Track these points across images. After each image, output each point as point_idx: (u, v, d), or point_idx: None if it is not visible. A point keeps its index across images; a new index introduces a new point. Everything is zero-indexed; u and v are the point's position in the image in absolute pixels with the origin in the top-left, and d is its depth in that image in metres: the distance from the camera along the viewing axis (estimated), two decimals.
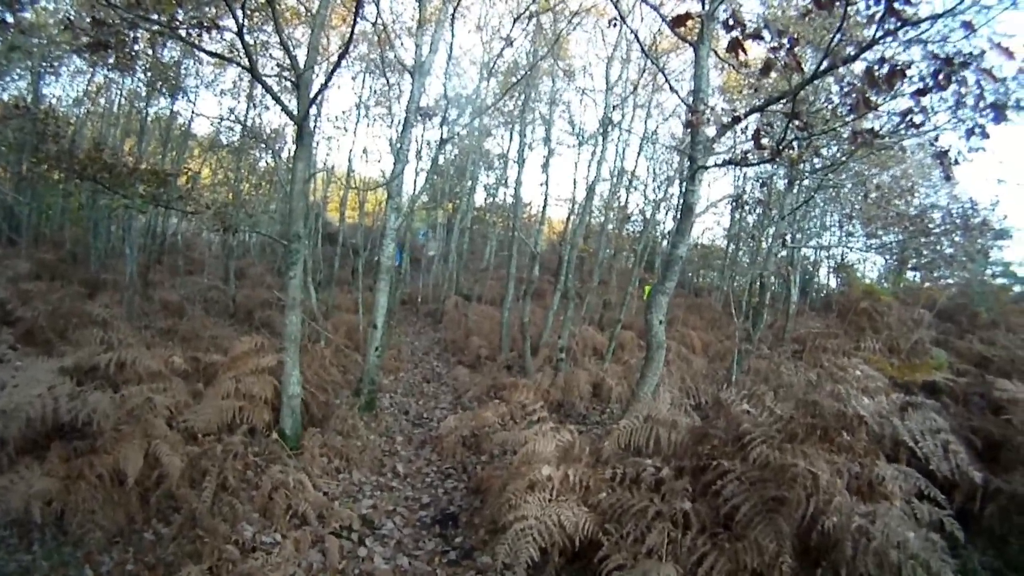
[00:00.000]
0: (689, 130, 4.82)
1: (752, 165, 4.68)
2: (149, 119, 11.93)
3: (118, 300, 8.38)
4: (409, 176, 15.09)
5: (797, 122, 3.55)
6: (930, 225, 8.59)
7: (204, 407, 5.07)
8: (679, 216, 5.04)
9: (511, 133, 14.10)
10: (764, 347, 9.08)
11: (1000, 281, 13.12)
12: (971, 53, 3.27)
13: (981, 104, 3.51)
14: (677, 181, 12.83)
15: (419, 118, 9.01)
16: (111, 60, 6.85)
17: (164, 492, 4.23)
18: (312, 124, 6.29)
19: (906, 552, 3.45)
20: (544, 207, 10.90)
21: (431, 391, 8.54)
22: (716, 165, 4.83)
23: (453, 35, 7.24)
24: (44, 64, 11.62)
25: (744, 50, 3.30)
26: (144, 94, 11.16)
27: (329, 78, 4.96)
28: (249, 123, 11.88)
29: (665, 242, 15.16)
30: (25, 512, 3.67)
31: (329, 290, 12.28)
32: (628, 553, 3.62)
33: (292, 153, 5.34)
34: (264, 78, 4.98)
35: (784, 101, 3.82)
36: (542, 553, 3.60)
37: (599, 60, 13.89)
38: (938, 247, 9.50)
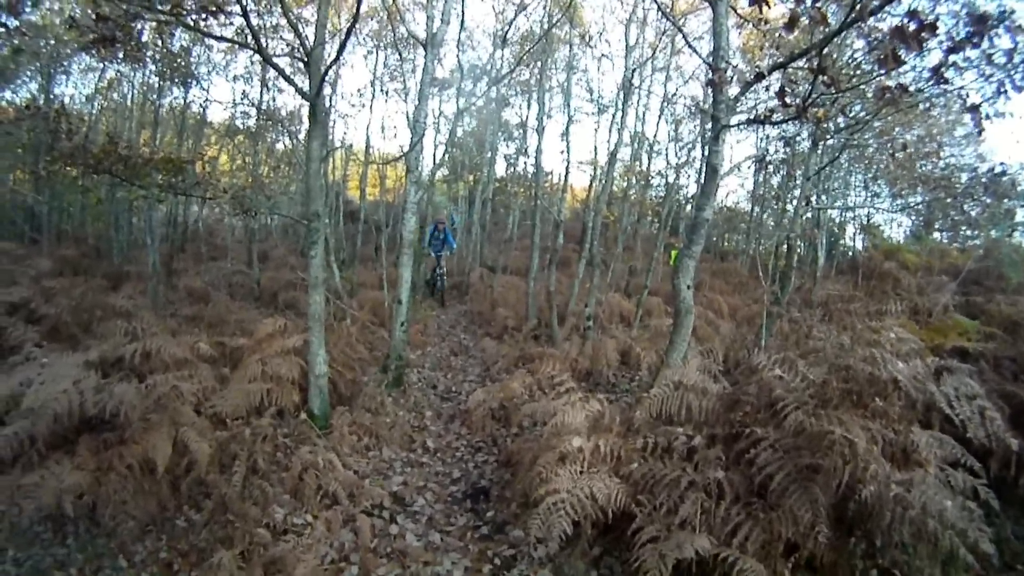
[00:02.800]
0: (711, 89, 4.66)
1: (777, 124, 4.52)
2: (163, 110, 11.96)
3: (142, 291, 8.44)
4: (428, 150, 14.98)
5: (823, 78, 3.40)
6: (956, 185, 8.30)
7: (231, 391, 5.09)
8: (703, 178, 4.90)
9: (529, 102, 14.02)
10: (794, 310, 8.92)
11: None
12: (1003, 10, 3.14)
13: (1014, 61, 3.38)
14: (699, 145, 12.65)
15: (434, 90, 8.99)
16: (120, 54, 6.78)
17: (194, 479, 4.25)
18: (327, 102, 6.19)
19: (943, 522, 3.39)
20: (566, 175, 10.84)
21: (459, 364, 8.52)
22: (740, 124, 4.69)
23: (464, 5, 7.09)
24: (54, 63, 11.65)
25: (768, 3, 3.17)
26: (156, 85, 11.15)
27: (339, 54, 4.90)
28: (264, 106, 11.82)
29: (689, 206, 14.97)
30: (57, 507, 3.70)
31: (352, 268, 12.32)
32: (661, 524, 3.58)
33: (307, 133, 5.25)
34: (275, 59, 4.89)
35: (809, 57, 3.66)
36: (575, 526, 3.57)
37: (616, 23, 13.51)
38: (964, 208, 9.20)
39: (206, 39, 9.05)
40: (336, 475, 4.55)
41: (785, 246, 8.40)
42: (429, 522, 4.50)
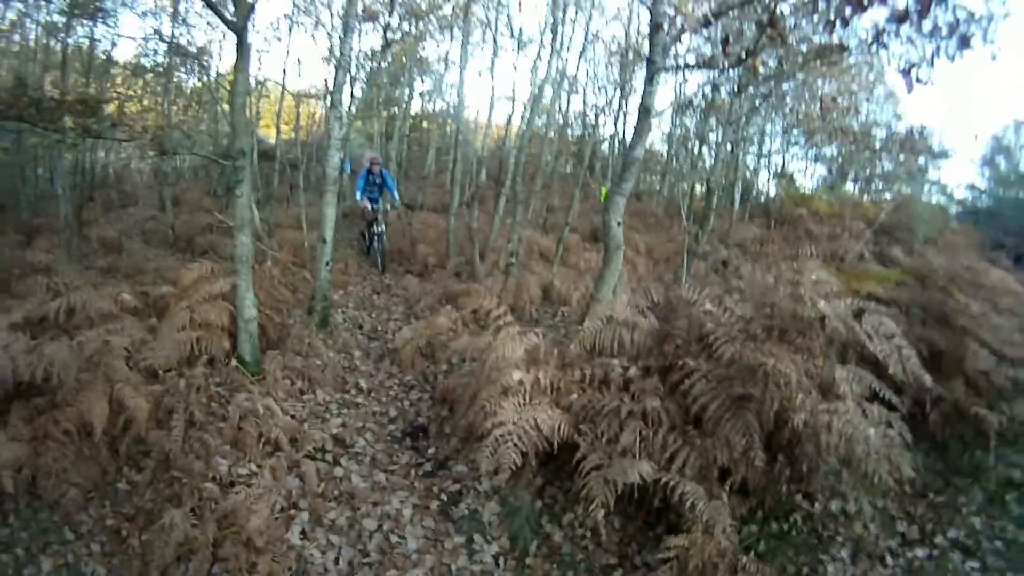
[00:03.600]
0: (649, 32, 4.69)
1: (716, 69, 4.61)
2: (69, 49, 10.87)
3: (56, 244, 7.85)
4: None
5: (773, 31, 3.49)
6: (874, 140, 8.80)
7: (161, 342, 4.84)
8: (637, 118, 4.95)
9: (451, 35, 13.63)
10: (716, 249, 9.29)
11: (937, 199, 13.91)
12: None
13: (954, 33, 3.61)
14: (618, 87, 12.74)
15: (360, 23, 8.56)
16: None
17: (132, 438, 4.06)
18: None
19: (868, 447, 3.66)
20: (490, 111, 10.69)
21: (382, 303, 8.42)
22: (678, 68, 4.74)
23: None
24: None
25: None
26: (61, 24, 10.11)
27: None
28: (174, 41, 10.96)
29: (605, 145, 15.19)
30: None
31: (270, 208, 11.75)
32: (603, 452, 3.74)
33: (232, 67, 4.92)
34: None
35: (757, 8, 3.75)
36: (522, 456, 3.66)
37: None
38: (878, 161, 9.80)
39: None
40: (276, 421, 4.46)
41: (704, 188, 8.66)
42: (372, 462, 4.54)
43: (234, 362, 5.14)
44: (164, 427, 4.18)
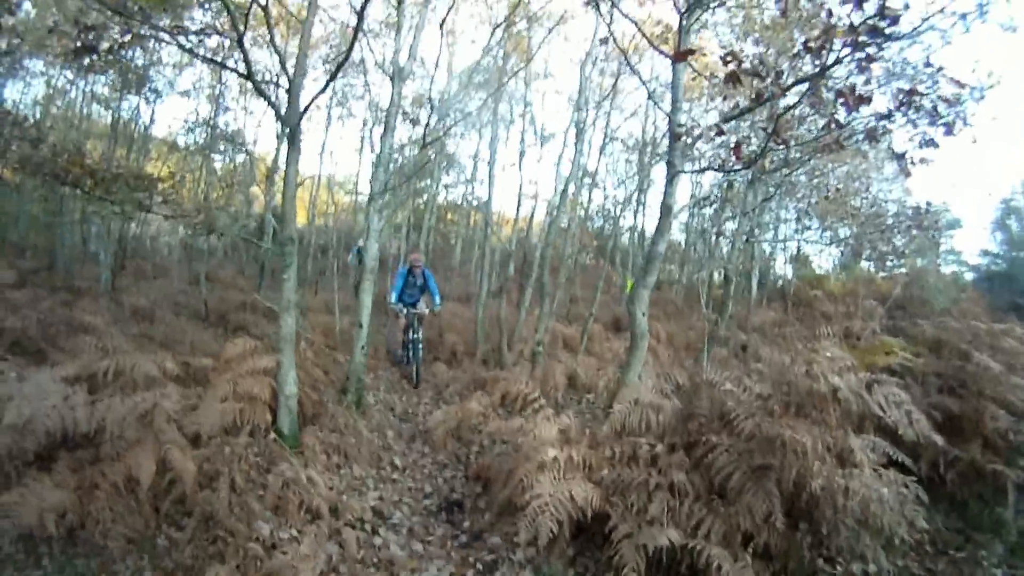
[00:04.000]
0: (669, 138, 5.18)
1: (729, 172, 5.05)
2: (107, 121, 11.68)
3: (97, 307, 8.21)
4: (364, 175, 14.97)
5: (777, 138, 3.96)
6: (885, 218, 9.19)
7: (205, 410, 5.09)
8: (659, 216, 5.37)
9: (479, 133, 14.48)
10: (740, 334, 9.54)
11: (951, 269, 14.22)
12: (931, 83, 4.06)
13: (937, 123, 4.12)
14: (635, 178, 13.34)
15: (403, 121, 9.29)
16: (85, 63, 6.72)
17: (176, 497, 4.25)
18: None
19: (882, 504, 3.92)
20: (518, 206, 11.23)
21: (411, 388, 8.68)
22: (695, 171, 5.19)
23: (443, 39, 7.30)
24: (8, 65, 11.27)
25: (740, 82, 3.72)
26: (110, 94, 10.95)
27: (328, 83, 5.10)
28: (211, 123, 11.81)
29: (625, 238, 15.70)
30: (40, 526, 3.62)
31: (301, 292, 12.24)
32: (633, 522, 3.95)
33: (287, 158, 5.41)
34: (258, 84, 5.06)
35: (764, 119, 4.24)
36: (558, 525, 3.87)
37: (571, 63, 14.08)
38: (891, 239, 10.15)
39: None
40: (318, 491, 4.65)
41: (722, 276, 9.00)
42: (410, 533, 4.70)
43: (272, 435, 5.34)
44: (206, 489, 4.37)
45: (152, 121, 12.91)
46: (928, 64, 4.08)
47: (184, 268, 13.50)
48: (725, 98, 6.77)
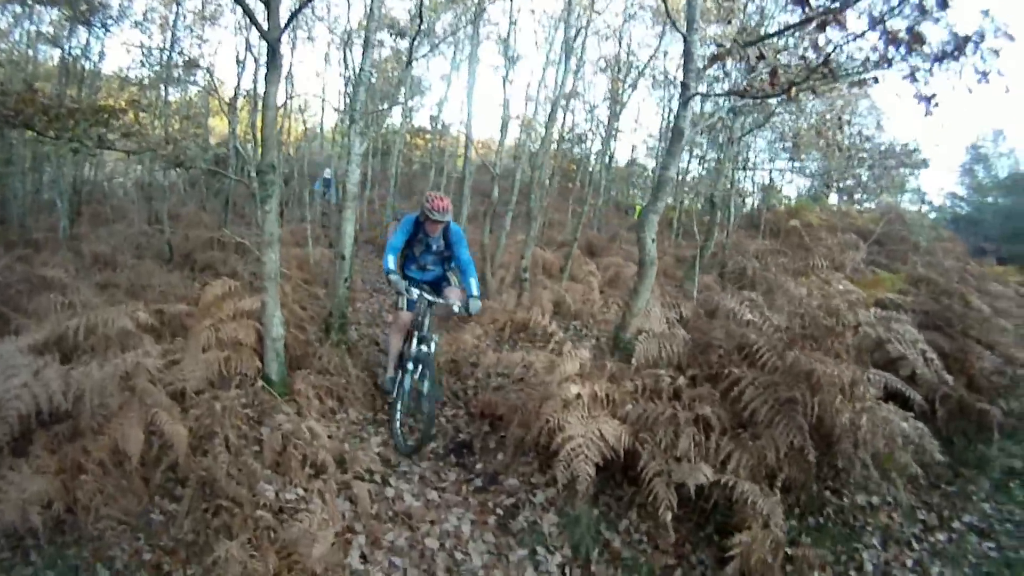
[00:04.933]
0: (683, 57, 4.86)
1: (761, 97, 4.75)
2: (68, 58, 10.72)
3: (58, 259, 7.54)
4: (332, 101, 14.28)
5: (826, 67, 3.73)
6: (862, 155, 9.17)
7: (188, 363, 4.65)
8: (670, 140, 5.09)
9: (455, 54, 13.80)
10: (740, 259, 9.51)
11: (918, 207, 14.66)
12: (980, 32, 3.88)
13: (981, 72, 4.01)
14: (608, 103, 13.01)
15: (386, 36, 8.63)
16: None
17: (167, 465, 3.83)
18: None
19: (904, 439, 4.06)
20: (503, 128, 10.72)
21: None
22: (715, 95, 4.89)
23: None
24: None
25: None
26: (56, 31, 9.96)
27: None
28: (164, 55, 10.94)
29: (593, 160, 15.46)
30: (23, 519, 3.18)
31: None
32: (662, 459, 3.85)
33: (265, 77, 4.85)
34: None
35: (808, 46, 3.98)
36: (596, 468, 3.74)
37: None
38: (861, 174, 10.21)
39: None
40: (320, 443, 4.33)
41: (707, 203, 8.88)
42: (421, 481, 4.49)
43: (260, 382, 4.99)
44: (199, 453, 3.97)
45: (102, 56, 11.83)
46: (985, 12, 3.87)
47: (143, 209, 12.70)
48: (730, 22, 6.47)
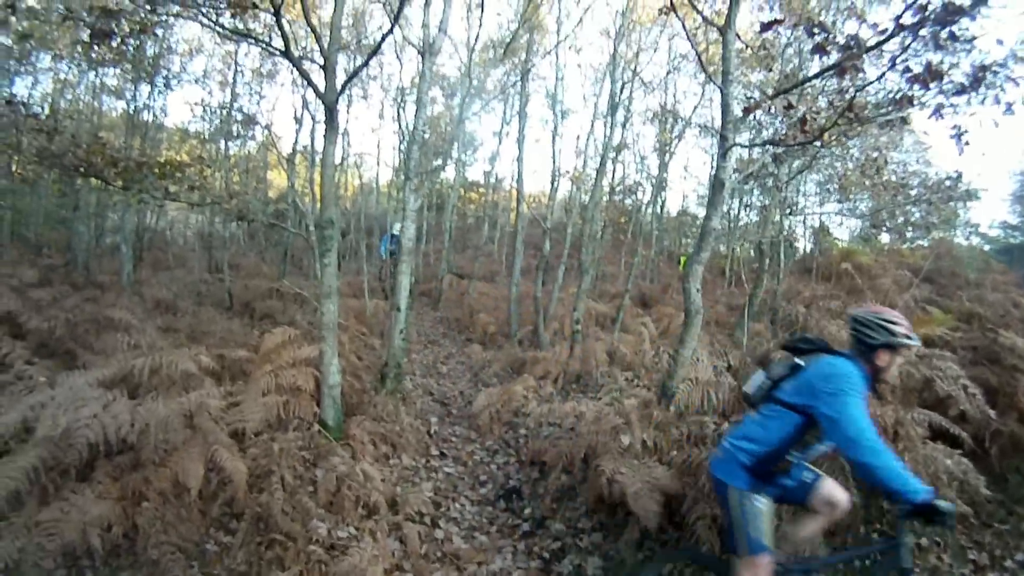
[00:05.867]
0: (721, 111, 5.01)
1: (790, 146, 4.85)
2: (117, 113, 11.56)
3: (122, 302, 8.02)
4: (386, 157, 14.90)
5: (850, 112, 3.82)
6: (911, 192, 9.03)
7: (248, 405, 4.91)
8: (711, 191, 5.21)
9: (505, 110, 14.33)
10: (786, 305, 9.43)
11: (968, 241, 14.26)
12: (998, 62, 3.97)
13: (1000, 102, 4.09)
14: (657, 152, 13.18)
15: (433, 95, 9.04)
16: (95, 54, 6.45)
17: (223, 500, 4.08)
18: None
19: (949, 475, 4.00)
20: (554, 182, 11.01)
21: (446, 371, 8.62)
22: (751, 145, 5.00)
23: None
24: (18, 59, 11.08)
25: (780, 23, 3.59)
26: (120, 84, 10.77)
27: (367, 61, 4.92)
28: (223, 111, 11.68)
29: (648, 212, 15.57)
30: (83, 541, 3.42)
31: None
32: (706, 503, 3.84)
33: (324, 137, 5.21)
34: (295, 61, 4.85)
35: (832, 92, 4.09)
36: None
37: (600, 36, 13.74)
38: (911, 211, 10.02)
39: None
40: (373, 485, 4.50)
41: (756, 250, 8.85)
42: (470, 524, 4.59)
43: (317, 427, 5.19)
44: (254, 490, 4.19)
45: (164, 110, 12.80)
46: (999, 41, 3.92)
47: (203, 257, 13.38)
48: (770, 70, 6.60)
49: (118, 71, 10.18)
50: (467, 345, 9.53)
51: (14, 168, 10.18)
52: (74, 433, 3.74)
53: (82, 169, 5.80)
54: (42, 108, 11.98)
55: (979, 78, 3.91)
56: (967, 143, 4.31)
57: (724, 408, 4.77)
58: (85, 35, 4.87)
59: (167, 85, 11.62)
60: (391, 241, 11.68)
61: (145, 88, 11.18)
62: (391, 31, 4.83)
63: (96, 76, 11.27)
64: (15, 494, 3.55)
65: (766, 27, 3.74)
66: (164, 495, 3.85)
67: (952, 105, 4.15)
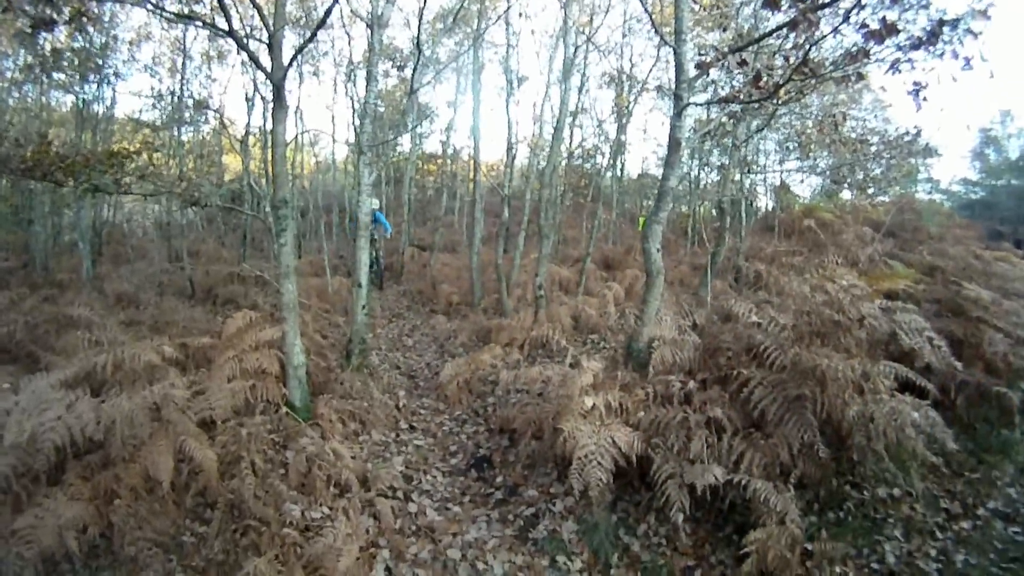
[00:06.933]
0: (674, 69, 4.96)
1: (745, 103, 4.86)
2: (66, 107, 11.21)
3: (83, 299, 7.81)
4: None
5: (805, 68, 3.81)
6: (871, 148, 9.15)
7: (214, 392, 4.79)
8: (668, 151, 5.20)
9: (459, 80, 14.15)
10: (745, 263, 9.55)
11: (933, 197, 14.57)
12: (956, 17, 3.97)
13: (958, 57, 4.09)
14: (613, 116, 13.15)
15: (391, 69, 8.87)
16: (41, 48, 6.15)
17: (196, 490, 4.04)
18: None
19: (915, 428, 4.01)
20: (509, 149, 10.93)
21: (412, 343, 8.58)
22: (706, 103, 4.99)
23: None
24: None
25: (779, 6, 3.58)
26: (68, 78, 10.41)
27: (311, 38, 4.76)
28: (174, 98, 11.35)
29: (608, 175, 15.59)
30: (59, 545, 3.40)
31: None
32: (675, 462, 3.93)
33: (272, 116, 5.08)
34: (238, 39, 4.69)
35: (788, 48, 4.07)
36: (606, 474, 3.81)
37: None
38: (871, 167, 10.17)
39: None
40: (344, 463, 4.49)
41: (716, 209, 8.93)
42: (443, 496, 4.61)
43: (284, 409, 5.15)
44: (226, 477, 4.15)
45: (114, 101, 12.36)
46: None
47: (163, 247, 13.12)
48: (725, 29, 6.58)
49: (65, 64, 9.78)
50: (431, 317, 9.51)
51: None
52: (40, 437, 3.68)
53: (28, 171, 5.58)
54: None
55: (935, 32, 3.92)
56: (925, 99, 4.34)
57: (691, 366, 4.81)
58: (27, 27, 4.64)
59: (116, 76, 11.29)
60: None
61: (93, 82, 10.85)
62: (336, 2, 4.67)
63: (42, 73, 10.80)
64: None
65: None
66: (136, 491, 3.82)
67: (909, 60, 4.16)
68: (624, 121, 12.13)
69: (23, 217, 10.95)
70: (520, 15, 11.08)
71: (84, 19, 4.56)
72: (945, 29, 3.91)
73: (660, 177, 5.37)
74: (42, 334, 6.05)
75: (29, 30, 4.39)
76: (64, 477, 3.81)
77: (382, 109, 12.31)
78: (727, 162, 9.13)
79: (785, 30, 3.86)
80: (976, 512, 4.28)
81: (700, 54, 4.84)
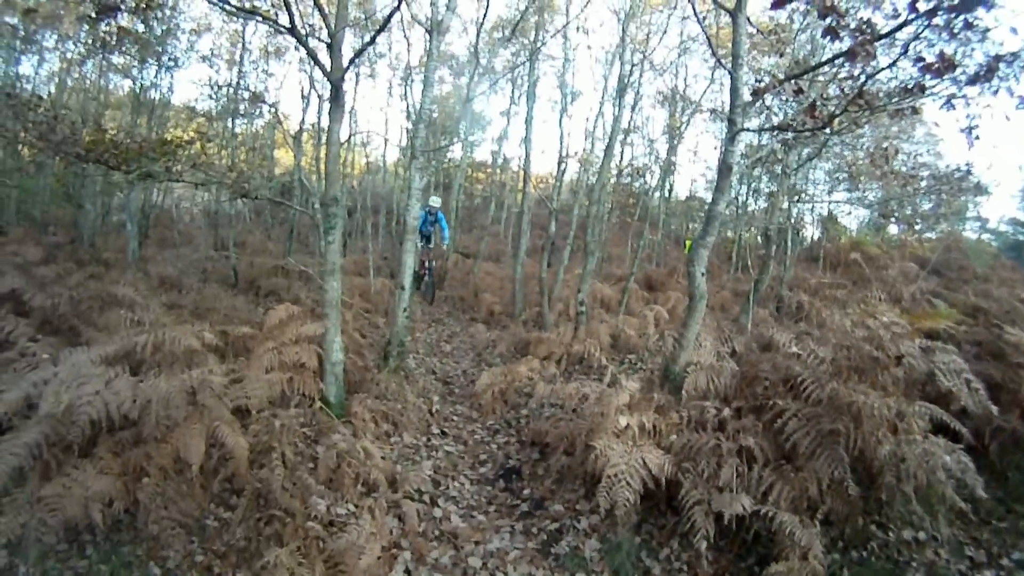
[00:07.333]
0: (730, 94, 4.95)
1: (798, 131, 4.82)
2: (124, 92, 11.59)
3: (124, 279, 8.02)
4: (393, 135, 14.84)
5: (861, 99, 3.79)
6: (921, 182, 8.96)
7: (251, 382, 4.92)
8: (718, 175, 5.19)
9: (514, 91, 14.30)
10: (788, 293, 9.41)
11: (982, 236, 14.17)
12: (1014, 53, 3.97)
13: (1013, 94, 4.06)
14: (664, 136, 13.08)
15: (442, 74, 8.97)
16: (104, 30, 6.41)
17: (224, 476, 4.13)
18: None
19: (945, 472, 3.91)
20: (560, 163, 10.98)
21: (450, 349, 8.65)
22: (758, 129, 4.96)
23: None
24: (22, 41, 11.09)
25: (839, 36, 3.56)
26: (127, 63, 10.77)
27: (373, 39, 4.89)
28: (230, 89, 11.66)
29: (656, 195, 15.53)
30: (84, 516, 3.50)
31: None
32: (704, 488, 3.88)
33: (329, 115, 5.21)
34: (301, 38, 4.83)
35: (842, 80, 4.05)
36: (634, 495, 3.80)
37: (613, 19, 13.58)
38: (920, 202, 9.95)
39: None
40: (373, 463, 4.53)
41: (762, 236, 8.83)
42: (469, 503, 4.63)
43: (319, 404, 5.23)
44: (256, 466, 4.23)
45: (171, 89, 12.69)
46: (1014, 30, 3.86)
47: (209, 235, 13.49)
48: (782, 55, 6.54)
49: (124, 50, 10.12)
50: (471, 324, 9.57)
51: (20, 148, 10.18)
52: (76, 410, 3.79)
53: (83, 156, 5.77)
54: (48, 88, 12.07)
55: (992, 68, 3.88)
56: (977, 137, 4.28)
57: (727, 393, 4.76)
58: (91, 11, 4.84)
59: (174, 63, 11.66)
60: (426, 220, 9.85)
61: (153, 68, 11.20)
62: (398, 8, 4.80)
63: (102, 56, 11.20)
64: (18, 470, 3.63)
65: (778, 3, 3.69)
66: (165, 471, 3.91)
67: (964, 96, 4.11)
68: (675, 142, 12.12)
69: (73, 195, 11.31)
70: (578, 30, 11.14)
71: (148, 10, 4.70)
72: (1001, 65, 3.85)
73: (708, 201, 5.35)
74: (85, 310, 6.19)
75: (93, 15, 4.53)
76: (95, 451, 3.91)
77: (436, 115, 12.47)
78: (776, 189, 9.04)
79: (842, 59, 3.83)
80: (1000, 562, 4.14)
81: (757, 81, 4.80)
